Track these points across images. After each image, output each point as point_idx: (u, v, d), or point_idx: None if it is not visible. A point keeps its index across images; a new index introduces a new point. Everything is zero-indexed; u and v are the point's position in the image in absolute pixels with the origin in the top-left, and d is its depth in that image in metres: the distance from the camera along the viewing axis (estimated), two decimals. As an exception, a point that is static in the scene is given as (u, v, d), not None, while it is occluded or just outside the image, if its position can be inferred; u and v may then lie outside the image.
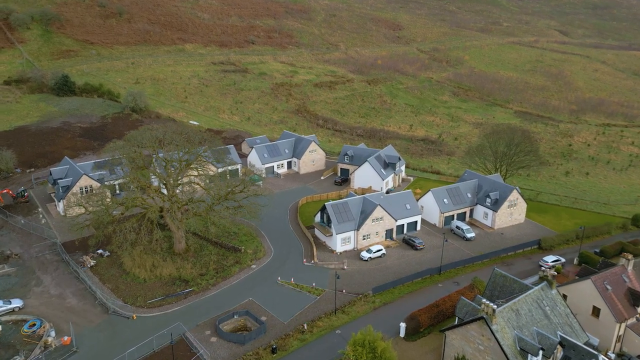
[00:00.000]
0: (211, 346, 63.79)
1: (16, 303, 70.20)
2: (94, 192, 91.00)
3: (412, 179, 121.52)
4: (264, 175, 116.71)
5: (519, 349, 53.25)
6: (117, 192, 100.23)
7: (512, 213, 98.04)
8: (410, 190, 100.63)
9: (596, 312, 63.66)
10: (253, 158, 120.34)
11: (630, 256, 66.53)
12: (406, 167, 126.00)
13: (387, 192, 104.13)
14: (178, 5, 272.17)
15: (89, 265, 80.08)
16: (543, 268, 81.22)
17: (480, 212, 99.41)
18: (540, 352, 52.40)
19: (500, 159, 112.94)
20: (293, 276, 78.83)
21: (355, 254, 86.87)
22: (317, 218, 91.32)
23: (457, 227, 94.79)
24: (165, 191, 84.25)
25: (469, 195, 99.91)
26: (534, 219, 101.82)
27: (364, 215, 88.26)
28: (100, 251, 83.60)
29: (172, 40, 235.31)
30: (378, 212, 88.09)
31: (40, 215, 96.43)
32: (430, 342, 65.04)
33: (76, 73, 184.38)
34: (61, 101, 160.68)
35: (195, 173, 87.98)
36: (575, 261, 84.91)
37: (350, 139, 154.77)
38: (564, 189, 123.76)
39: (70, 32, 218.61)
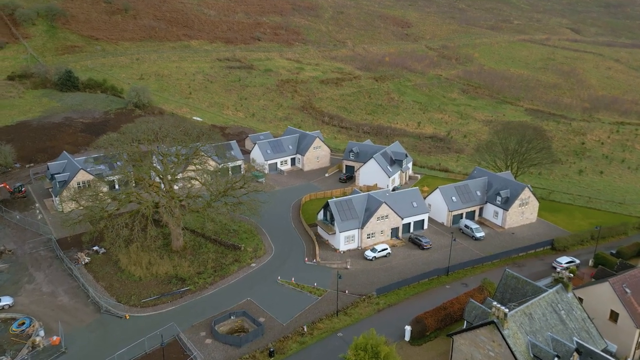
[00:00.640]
0: (206, 348, 60.89)
1: (6, 301, 67.88)
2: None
3: (419, 176, 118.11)
4: (266, 172, 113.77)
5: (532, 355, 49.88)
6: (116, 188, 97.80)
7: (524, 212, 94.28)
8: (417, 187, 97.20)
9: (614, 316, 60.13)
10: (256, 154, 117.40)
11: (650, 258, 62.97)
12: (414, 164, 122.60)
13: (394, 190, 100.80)
14: (184, 1, 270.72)
15: (83, 263, 77.54)
16: (557, 269, 77.42)
17: (490, 210, 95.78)
18: (555, 359, 49.01)
19: (512, 156, 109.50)
20: (294, 275, 75.76)
21: (359, 253, 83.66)
22: (320, 215, 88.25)
23: (466, 226, 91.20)
24: (162, 186, 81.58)
25: (479, 193, 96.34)
26: (547, 218, 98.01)
27: (369, 212, 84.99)
28: (95, 248, 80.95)
29: (178, 36, 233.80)
30: (383, 209, 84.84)
31: (37, 211, 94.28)
32: (436, 346, 62.01)
33: (80, 69, 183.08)
34: (64, 96, 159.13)
35: (194, 168, 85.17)
36: (591, 263, 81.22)
37: (357, 136, 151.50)
38: (577, 188, 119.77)
39: (76, 28, 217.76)
